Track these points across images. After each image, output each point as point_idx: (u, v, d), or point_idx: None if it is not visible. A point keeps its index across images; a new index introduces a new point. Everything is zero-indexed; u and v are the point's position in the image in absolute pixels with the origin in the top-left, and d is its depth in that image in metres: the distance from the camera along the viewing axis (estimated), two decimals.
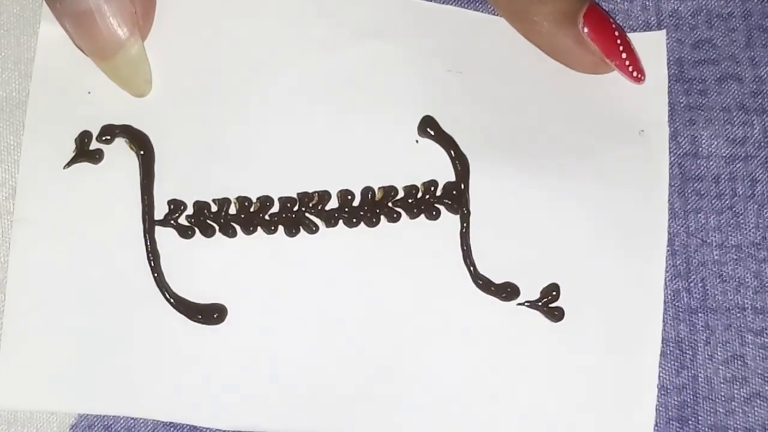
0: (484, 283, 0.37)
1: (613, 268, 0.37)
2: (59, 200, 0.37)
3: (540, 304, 0.37)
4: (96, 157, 0.37)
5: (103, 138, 0.37)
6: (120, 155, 0.37)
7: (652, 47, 0.39)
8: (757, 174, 0.39)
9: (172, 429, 0.37)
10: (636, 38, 0.38)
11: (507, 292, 0.37)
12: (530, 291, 0.37)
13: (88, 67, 0.37)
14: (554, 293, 0.37)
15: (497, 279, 0.37)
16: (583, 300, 0.37)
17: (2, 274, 0.37)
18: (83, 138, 0.37)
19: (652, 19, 0.39)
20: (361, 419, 0.36)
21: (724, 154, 0.39)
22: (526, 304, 0.37)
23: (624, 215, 0.37)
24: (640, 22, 0.39)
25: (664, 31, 0.39)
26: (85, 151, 0.37)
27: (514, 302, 0.37)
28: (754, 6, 0.40)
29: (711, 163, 0.39)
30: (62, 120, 0.37)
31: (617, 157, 0.38)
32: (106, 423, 0.37)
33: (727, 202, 0.39)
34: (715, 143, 0.39)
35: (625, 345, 0.37)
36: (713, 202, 0.38)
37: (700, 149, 0.39)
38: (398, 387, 0.36)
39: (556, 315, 0.37)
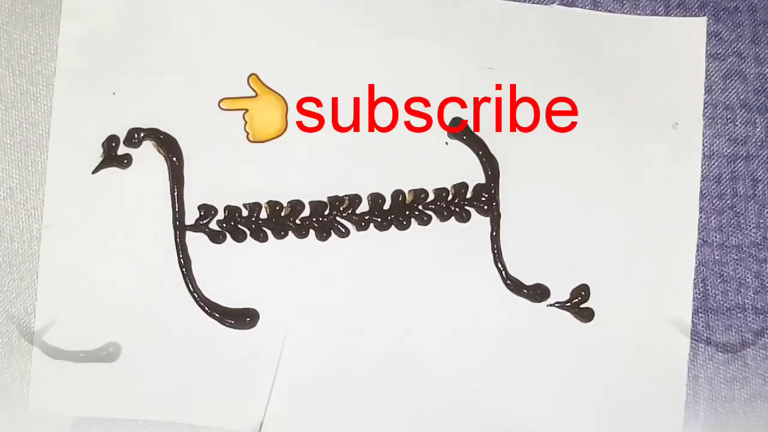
0: (514, 285, 0.37)
1: (642, 267, 0.37)
2: (88, 206, 0.36)
3: (570, 304, 0.37)
4: (124, 162, 0.36)
5: (131, 141, 0.36)
6: (148, 159, 0.37)
7: (689, 34, 0.38)
8: (759, 174, 0.39)
9: (171, 429, 0.37)
10: (673, 23, 0.38)
11: (537, 293, 0.37)
12: (560, 292, 0.37)
13: (111, 67, 0.36)
14: (584, 293, 0.37)
15: (528, 280, 0.37)
16: (613, 300, 0.37)
17: (7, 273, 0.37)
18: (110, 142, 0.36)
19: (660, 8, 0.39)
20: (395, 419, 0.37)
21: (725, 153, 0.39)
22: (556, 305, 0.37)
23: (654, 215, 0.38)
24: (648, 11, 0.39)
25: (705, 18, 0.39)
26: (113, 157, 0.36)
27: (544, 303, 0.37)
28: (759, 1, 0.39)
29: (713, 162, 0.39)
30: (88, 122, 0.36)
31: (649, 154, 0.38)
32: (105, 423, 0.37)
33: (728, 201, 0.39)
34: (717, 142, 0.39)
35: (655, 345, 0.37)
36: (714, 201, 0.39)
37: (702, 148, 0.39)
38: (431, 387, 0.37)
39: (586, 315, 0.37)
